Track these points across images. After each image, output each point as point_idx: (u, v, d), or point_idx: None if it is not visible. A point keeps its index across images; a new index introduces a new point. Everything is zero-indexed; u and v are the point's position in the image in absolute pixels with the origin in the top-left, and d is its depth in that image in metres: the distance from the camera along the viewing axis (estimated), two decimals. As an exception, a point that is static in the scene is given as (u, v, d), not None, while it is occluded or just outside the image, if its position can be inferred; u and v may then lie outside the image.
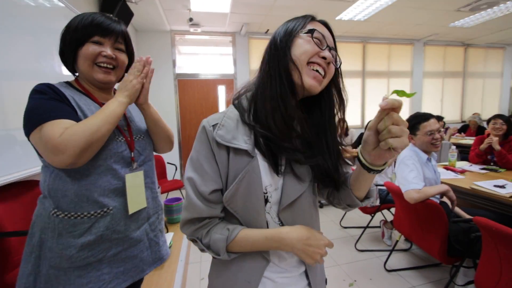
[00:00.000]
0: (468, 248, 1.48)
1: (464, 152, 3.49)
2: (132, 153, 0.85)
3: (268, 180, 0.60)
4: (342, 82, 0.64)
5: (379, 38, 5.39)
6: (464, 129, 5.31)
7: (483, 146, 2.54)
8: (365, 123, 4.09)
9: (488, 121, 2.67)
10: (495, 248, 1.17)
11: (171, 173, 3.78)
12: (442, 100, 6.09)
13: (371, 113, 5.58)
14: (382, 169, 0.55)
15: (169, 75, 4.51)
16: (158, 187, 0.99)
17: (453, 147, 2.65)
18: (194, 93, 4.70)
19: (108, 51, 0.79)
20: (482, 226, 1.17)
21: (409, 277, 1.97)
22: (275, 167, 0.60)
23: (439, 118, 4.54)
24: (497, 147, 2.39)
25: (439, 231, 1.53)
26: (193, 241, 0.61)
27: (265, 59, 0.61)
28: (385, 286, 1.88)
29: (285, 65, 0.57)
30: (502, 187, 1.80)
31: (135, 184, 0.85)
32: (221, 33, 4.65)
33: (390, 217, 2.53)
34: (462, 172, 2.32)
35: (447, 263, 1.58)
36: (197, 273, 2.12)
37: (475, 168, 2.45)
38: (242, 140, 0.57)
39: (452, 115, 6.18)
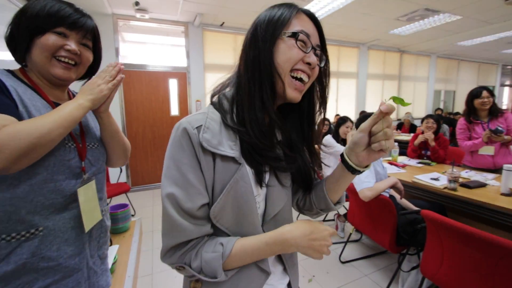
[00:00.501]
0: (413, 237, 1.62)
1: (401, 147, 3.91)
2: (83, 162, 0.73)
3: (256, 190, 0.55)
4: (328, 81, 0.60)
5: (329, 40, 5.68)
6: (399, 126, 5.98)
7: (417, 141, 2.86)
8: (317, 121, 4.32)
9: (422, 120, 3.00)
10: (438, 237, 1.29)
11: (115, 176, 3.39)
12: (382, 100, 6.77)
13: (342, 111, 5.92)
14: (364, 170, 0.55)
15: (111, 64, 4.03)
16: (107, 204, 0.85)
17: (395, 143, 2.92)
18: (141, 86, 4.28)
19: (72, 45, 0.69)
20: (428, 218, 1.28)
21: (361, 266, 2.11)
22: (258, 177, 0.55)
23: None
24: (432, 143, 2.71)
25: (389, 224, 1.65)
26: (179, 268, 0.52)
27: (246, 58, 0.54)
28: (341, 277, 1.97)
29: (268, 73, 0.52)
30: (437, 179, 2.03)
31: (89, 198, 0.73)
32: (172, 22, 4.31)
33: (342, 211, 2.68)
34: (403, 166, 2.57)
35: (395, 252, 1.72)
36: (149, 286, 1.92)
37: (413, 162, 2.75)
38: (228, 145, 0.51)
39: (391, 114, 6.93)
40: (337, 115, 5.74)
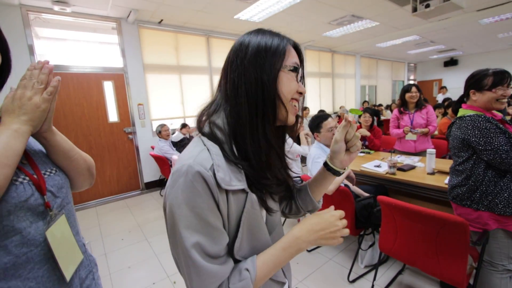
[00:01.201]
0: (369, 219, 1.86)
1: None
2: (45, 197, 0.58)
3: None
4: (303, 100, 0.67)
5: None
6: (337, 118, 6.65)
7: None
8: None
9: (359, 116, 3.42)
10: (392, 218, 1.52)
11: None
12: (320, 96, 7.40)
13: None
14: (344, 171, 0.67)
15: (24, 65, 3.36)
16: (82, 238, 0.71)
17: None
18: (68, 90, 3.69)
19: None
20: (383, 202, 1.49)
21: (325, 251, 2.31)
22: (263, 202, 0.56)
23: (324, 112, 5.46)
24: (367, 133, 3.12)
25: (349, 210, 1.85)
26: None
27: (245, 88, 0.52)
28: (311, 265, 2.12)
29: (272, 103, 0.52)
30: (379, 166, 2.36)
31: (62, 238, 0.59)
32: (101, 18, 3.83)
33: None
34: (349, 156, 2.89)
35: (355, 235, 1.94)
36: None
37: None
38: (236, 178, 0.51)
39: (327, 108, 7.62)
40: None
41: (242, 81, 0.52)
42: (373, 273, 1.89)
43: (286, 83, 0.54)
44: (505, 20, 5.53)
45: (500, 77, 1.34)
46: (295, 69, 0.55)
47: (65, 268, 0.59)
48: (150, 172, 4.42)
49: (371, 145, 3.15)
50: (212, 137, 0.53)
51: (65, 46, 3.74)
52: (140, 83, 4.23)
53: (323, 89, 7.48)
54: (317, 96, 7.31)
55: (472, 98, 1.41)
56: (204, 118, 0.57)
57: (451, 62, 10.71)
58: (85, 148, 3.81)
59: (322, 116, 2.09)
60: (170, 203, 0.47)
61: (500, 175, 1.29)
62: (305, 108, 5.78)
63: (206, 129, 0.54)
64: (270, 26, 3.88)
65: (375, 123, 5.57)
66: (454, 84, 10.21)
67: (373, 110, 6.44)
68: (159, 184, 4.47)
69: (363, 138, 3.28)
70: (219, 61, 5.62)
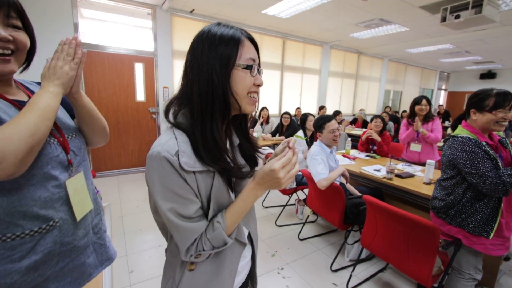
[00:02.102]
0: (357, 217, 2.00)
1: (353, 141, 4.42)
2: (68, 155, 0.75)
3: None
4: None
5: (296, 36, 5.96)
6: (354, 121, 6.62)
7: (364, 137, 3.34)
8: (282, 112, 4.62)
9: (371, 119, 3.48)
10: (374, 216, 1.66)
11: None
12: (340, 97, 7.37)
13: (288, 104, 6.24)
14: None
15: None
16: (95, 187, 0.94)
17: (349, 139, 3.35)
18: (103, 68, 4.06)
19: (0, 31, 0.61)
20: (368, 202, 1.63)
21: (316, 242, 2.48)
22: (229, 183, 0.66)
23: (338, 113, 5.49)
24: (378, 138, 3.19)
25: (339, 206, 2.00)
26: (197, 257, 0.62)
27: (199, 85, 0.58)
28: (299, 252, 2.31)
29: (223, 99, 0.58)
30: (379, 170, 2.46)
31: (78, 189, 0.78)
32: (138, 3, 4.12)
33: (302, 196, 3.02)
34: (354, 159, 3.00)
35: (343, 229, 2.09)
36: (125, 267, 2.03)
37: (362, 155, 3.20)
38: (200, 162, 0.59)
39: (346, 110, 7.58)
40: (298, 108, 6.10)
41: (196, 80, 0.58)
42: (356, 266, 2.05)
43: (240, 81, 0.59)
44: (551, 36, 5.17)
45: (502, 99, 1.32)
46: (248, 67, 0.59)
47: (77, 211, 0.76)
48: (168, 150, 4.78)
49: (379, 150, 3.22)
50: (181, 127, 0.60)
51: (105, 27, 4.08)
52: (167, 67, 4.52)
53: (345, 89, 7.42)
54: (337, 97, 7.29)
55: (472, 117, 1.42)
56: (172, 110, 0.63)
57: (488, 75, 10.08)
58: (112, 122, 4.21)
59: (326, 118, 2.22)
60: (149, 181, 0.58)
61: (478, 198, 1.35)
62: (322, 107, 5.83)
63: (175, 120, 0.62)
64: (297, 23, 4.10)
65: (392, 130, 5.53)
66: (488, 98, 9.65)
67: (394, 116, 6.36)
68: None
69: (372, 142, 3.35)
70: (290, 60, 5.80)
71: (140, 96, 4.44)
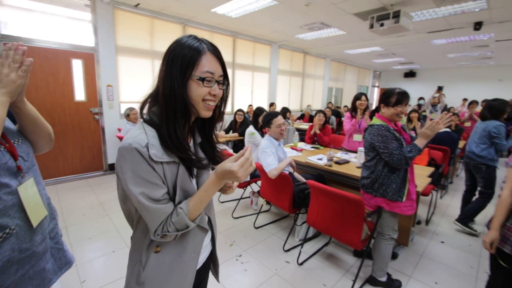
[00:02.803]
0: (304, 200, 2.25)
1: (301, 135, 4.81)
2: (17, 161, 0.74)
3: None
4: (227, 97, 0.80)
5: (246, 35, 6.13)
6: (301, 116, 7.12)
7: (312, 132, 3.69)
8: (234, 110, 4.75)
9: (315, 114, 3.85)
10: (316, 197, 1.91)
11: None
12: (289, 94, 7.82)
13: (240, 101, 6.40)
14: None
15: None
16: (46, 193, 0.92)
17: (296, 132, 3.66)
18: (34, 65, 3.59)
19: None
20: (311, 186, 1.88)
21: (270, 228, 2.69)
22: (190, 171, 0.76)
23: (286, 110, 5.82)
24: (318, 131, 3.56)
25: (288, 193, 2.22)
26: (163, 236, 0.69)
27: (163, 89, 0.67)
28: (255, 239, 2.49)
29: (181, 105, 0.67)
30: (321, 159, 2.78)
31: (30, 195, 0.77)
32: (74, -7, 3.78)
33: (256, 188, 3.22)
34: (301, 150, 3.30)
35: (293, 213, 2.34)
36: (76, 277, 1.93)
37: (308, 147, 3.53)
38: (166, 154, 0.68)
39: (295, 106, 8.09)
40: (250, 105, 6.31)
41: (162, 85, 0.68)
42: (305, 244, 2.32)
43: (194, 90, 0.68)
44: (454, 43, 6.33)
45: (401, 97, 1.69)
46: (201, 79, 0.67)
47: (32, 217, 0.76)
48: (115, 153, 4.44)
49: (320, 141, 3.61)
50: (151, 123, 0.69)
51: (31, 17, 3.63)
52: (111, 64, 4.24)
53: (293, 87, 7.91)
54: (286, 93, 7.72)
55: (382, 110, 1.80)
56: (145, 107, 0.72)
57: (410, 74, 11.80)
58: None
59: (273, 114, 2.43)
60: (120, 170, 0.65)
61: (392, 171, 1.71)
62: (271, 104, 6.13)
63: (147, 116, 0.71)
64: (246, 23, 4.26)
65: (335, 124, 6.11)
66: (412, 94, 11.19)
67: (335, 111, 7.01)
68: (124, 165, 4.54)
69: (315, 135, 3.72)
70: (241, 58, 5.74)
71: (80, 95, 4.08)
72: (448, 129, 3.87)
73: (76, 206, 3.10)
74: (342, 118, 6.88)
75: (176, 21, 4.92)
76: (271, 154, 2.29)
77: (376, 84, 13.06)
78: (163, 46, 4.80)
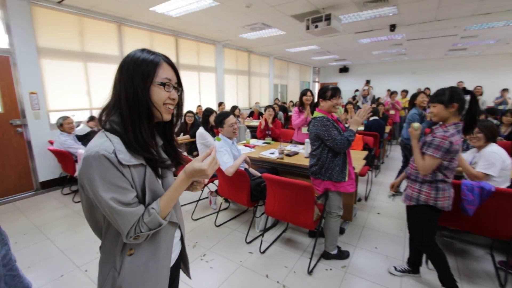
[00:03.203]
0: (260, 193, 2.39)
1: (252, 131, 4.98)
2: None
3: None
4: (183, 100, 0.87)
5: (189, 35, 6.01)
6: (251, 114, 7.33)
7: (263, 126, 3.88)
8: (184, 112, 4.65)
9: (265, 109, 4.04)
10: (272, 189, 2.07)
11: None
12: (237, 92, 7.95)
13: (188, 102, 6.23)
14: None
15: None
16: None
17: (247, 130, 3.80)
18: None
19: None
20: (266, 178, 2.02)
21: (231, 225, 2.77)
22: (156, 172, 0.81)
23: (236, 108, 5.96)
24: (270, 125, 3.76)
25: (245, 188, 2.33)
26: (136, 238, 0.71)
27: (126, 96, 0.72)
28: (217, 237, 2.54)
29: (146, 109, 0.73)
30: (273, 153, 2.97)
31: None
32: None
33: (214, 188, 3.25)
34: (254, 147, 3.44)
35: (251, 206, 2.46)
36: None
37: (260, 142, 3.70)
38: (134, 157, 0.72)
39: (244, 104, 8.26)
40: (199, 106, 6.24)
41: (123, 91, 0.72)
42: (265, 234, 2.46)
43: (156, 94, 0.75)
44: (376, 42, 7.27)
45: (334, 92, 2.00)
46: (162, 84, 0.75)
47: None
48: (47, 169, 3.95)
49: (273, 133, 3.83)
50: (113, 131, 0.72)
51: None
52: (32, 68, 3.71)
53: (240, 85, 8.06)
54: (234, 92, 7.83)
55: (321, 104, 2.05)
56: (104, 117, 0.75)
57: (344, 70, 13.10)
58: (-46, 143, 3.16)
59: (225, 114, 2.50)
60: (88, 179, 0.66)
61: (335, 155, 1.96)
62: (220, 104, 6.16)
63: (107, 125, 0.73)
64: (188, 22, 4.25)
65: (282, 118, 6.46)
66: (346, 87, 12.52)
67: (282, 107, 7.39)
68: (59, 182, 3.98)
69: (267, 129, 3.92)
70: (185, 58, 5.40)
71: (-4, 105, 3.49)
72: (376, 117, 4.48)
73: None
74: (290, 113, 7.33)
75: (110, 20, 4.55)
76: (226, 153, 2.36)
77: (316, 80, 14.13)
78: (97, 47, 4.45)
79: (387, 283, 1.91)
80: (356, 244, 2.40)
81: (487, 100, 6.46)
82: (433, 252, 1.70)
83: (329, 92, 1.99)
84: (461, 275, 1.99)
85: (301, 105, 3.51)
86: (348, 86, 12.50)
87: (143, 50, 0.76)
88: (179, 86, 0.81)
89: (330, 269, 2.07)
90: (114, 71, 0.76)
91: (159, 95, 0.75)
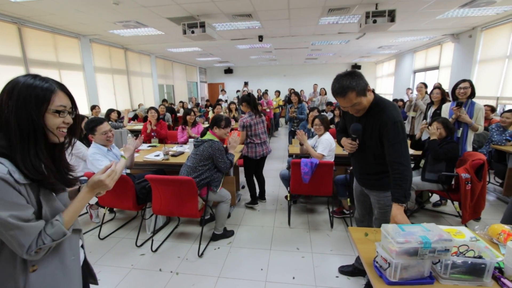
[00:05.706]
0: (147, 195, 2.44)
1: (137, 136, 4.74)
2: None
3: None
4: (79, 121, 0.94)
5: (40, 25, 4.95)
6: (135, 117, 6.84)
7: (149, 130, 3.82)
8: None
9: (147, 111, 3.97)
10: (156, 188, 2.19)
11: None
12: (115, 93, 7.18)
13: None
14: None
15: None
16: None
17: (129, 135, 3.65)
18: None
19: None
20: (149, 179, 2.12)
21: (118, 234, 2.67)
22: (53, 190, 0.85)
23: (112, 111, 5.40)
24: (154, 127, 3.75)
25: (130, 193, 2.32)
26: (37, 251, 0.73)
27: (18, 121, 0.73)
28: (103, 250, 2.40)
29: (40, 133, 0.77)
30: (158, 155, 3.03)
31: None
32: None
33: (93, 201, 2.98)
34: (138, 151, 3.36)
35: (139, 210, 2.47)
36: None
37: (145, 146, 3.64)
38: (25, 177, 0.74)
39: (124, 106, 7.54)
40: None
41: (13, 117, 0.72)
42: (157, 234, 2.54)
43: (51, 120, 0.78)
44: (252, 48, 8.26)
45: (227, 122, 2.44)
46: (57, 111, 0.79)
47: None
48: None
49: (158, 135, 3.84)
50: (1, 154, 0.73)
51: None
52: None
53: (118, 86, 7.31)
54: (111, 94, 7.04)
55: (214, 130, 2.42)
56: None
57: (228, 71, 14.06)
58: None
59: (97, 121, 2.35)
60: None
61: (217, 170, 2.36)
62: (94, 107, 5.44)
63: None
64: (35, 9, 3.76)
65: (171, 120, 6.41)
66: (232, 87, 13.55)
67: (170, 108, 7.27)
68: None
69: (152, 131, 3.88)
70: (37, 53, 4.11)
71: None
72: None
73: None
74: (178, 114, 7.30)
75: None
76: (102, 159, 2.26)
77: (204, 80, 14.49)
78: None
79: (263, 245, 2.43)
80: (240, 223, 2.87)
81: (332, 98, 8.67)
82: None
83: (223, 122, 2.42)
84: (310, 226, 2.77)
85: (184, 123, 3.72)
86: (233, 86, 13.57)
87: (35, 76, 0.78)
88: (74, 110, 0.86)
89: (218, 248, 2.41)
90: (19, 71, 0.72)
91: (53, 121, 0.79)
